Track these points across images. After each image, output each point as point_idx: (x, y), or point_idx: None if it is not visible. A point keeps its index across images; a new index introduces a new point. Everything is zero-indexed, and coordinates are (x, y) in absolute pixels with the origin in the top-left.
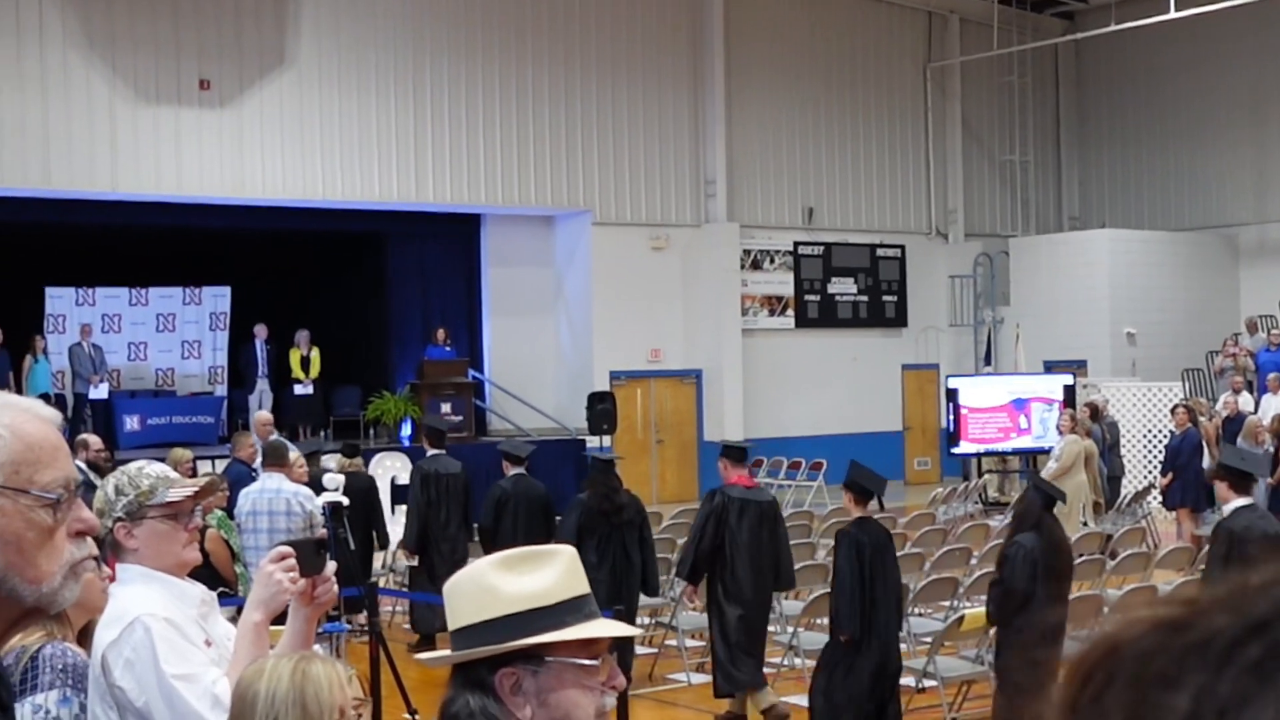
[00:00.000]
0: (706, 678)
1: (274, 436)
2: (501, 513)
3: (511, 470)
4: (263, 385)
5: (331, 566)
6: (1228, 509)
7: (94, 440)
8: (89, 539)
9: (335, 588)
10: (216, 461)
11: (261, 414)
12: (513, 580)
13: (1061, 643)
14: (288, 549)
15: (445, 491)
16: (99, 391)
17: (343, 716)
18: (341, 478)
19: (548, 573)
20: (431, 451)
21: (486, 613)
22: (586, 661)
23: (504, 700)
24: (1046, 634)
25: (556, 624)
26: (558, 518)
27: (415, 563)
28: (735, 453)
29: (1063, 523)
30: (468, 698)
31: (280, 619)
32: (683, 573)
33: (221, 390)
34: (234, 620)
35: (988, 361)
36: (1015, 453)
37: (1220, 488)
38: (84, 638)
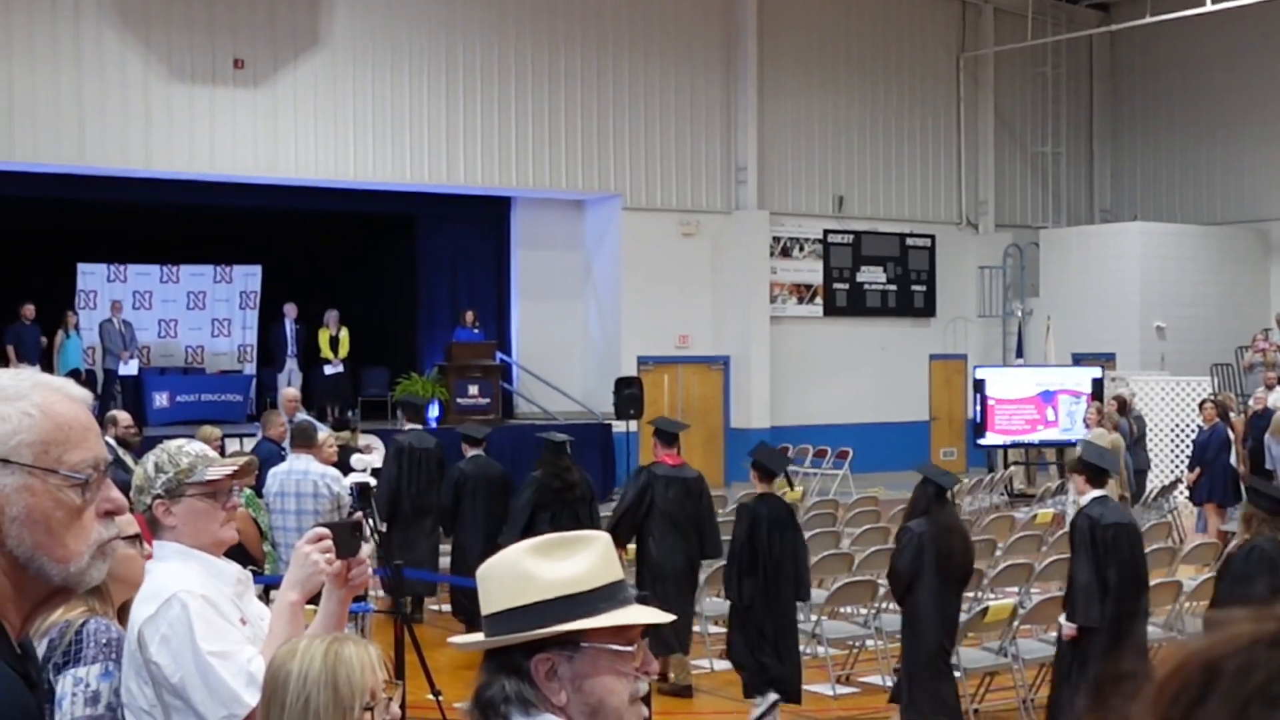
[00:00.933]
0: (728, 664)
1: (301, 416)
2: (460, 493)
3: (470, 452)
4: (291, 364)
5: (367, 549)
6: (1084, 500)
7: (123, 416)
8: (124, 518)
9: (370, 570)
10: (245, 440)
11: (289, 390)
12: (548, 566)
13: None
14: (325, 530)
15: (418, 465)
16: (129, 368)
17: (373, 699)
18: (370, 459)
19: (582, 559)
20: (409, 426)
21: (521, 598)
22: (621, 648)
23: (539, 685)
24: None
25: (591, 610)
26: None
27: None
28: (665, 435)
29: None
30: (503, 682)
31: (314, 599)
32: (613, 536)
33: (250, 369)
34: (261, 598)
35: (1019, 354)
36: (1042, 445)
37: (1078, 480)
38: (122, 614)
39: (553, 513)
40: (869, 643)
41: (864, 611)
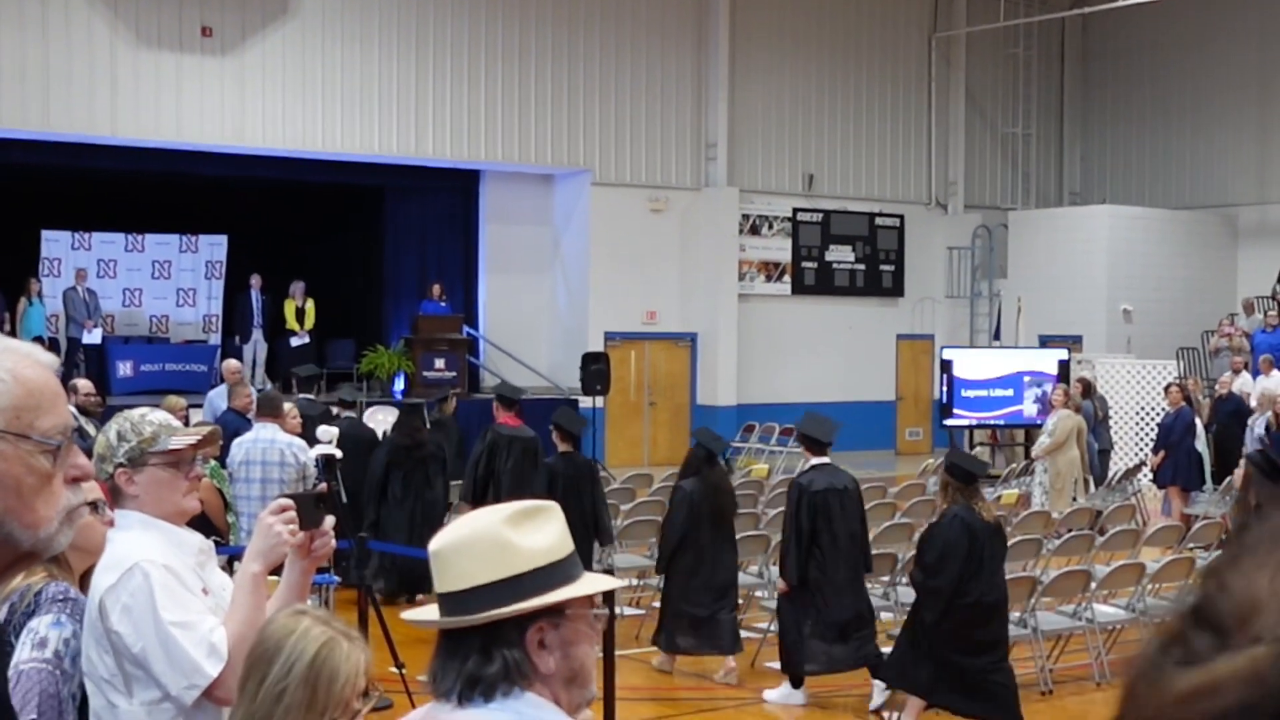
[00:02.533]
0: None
1: (268, 388)
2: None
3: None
4: (257, 335)
5: (330, 521)
6: (807, 465)
7: (84, 384)
8: (88, 484)
9: (333, 541)
10: (203, 411)
11: (230, 362)
12: (526, 536)
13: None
14: (288, 501)
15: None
16: (92, 336)
17: (345, 711)
18: (335, 430)
19: (552, 528)
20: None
21: (507, 570)
22: (599, 612)
23: (530, 654)
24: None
25: (568, 578)
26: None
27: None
28: (506, 400)
29: (1054, 498)
30: (503, 654)
31: (277, 570)
32: (465, 496)
33: (215, 339)
34: (224, 569)
35: (997, 336)
36: (1007, 426)
37: (804, 449)
38: (84, 582)
39: (404, 470)
40: None
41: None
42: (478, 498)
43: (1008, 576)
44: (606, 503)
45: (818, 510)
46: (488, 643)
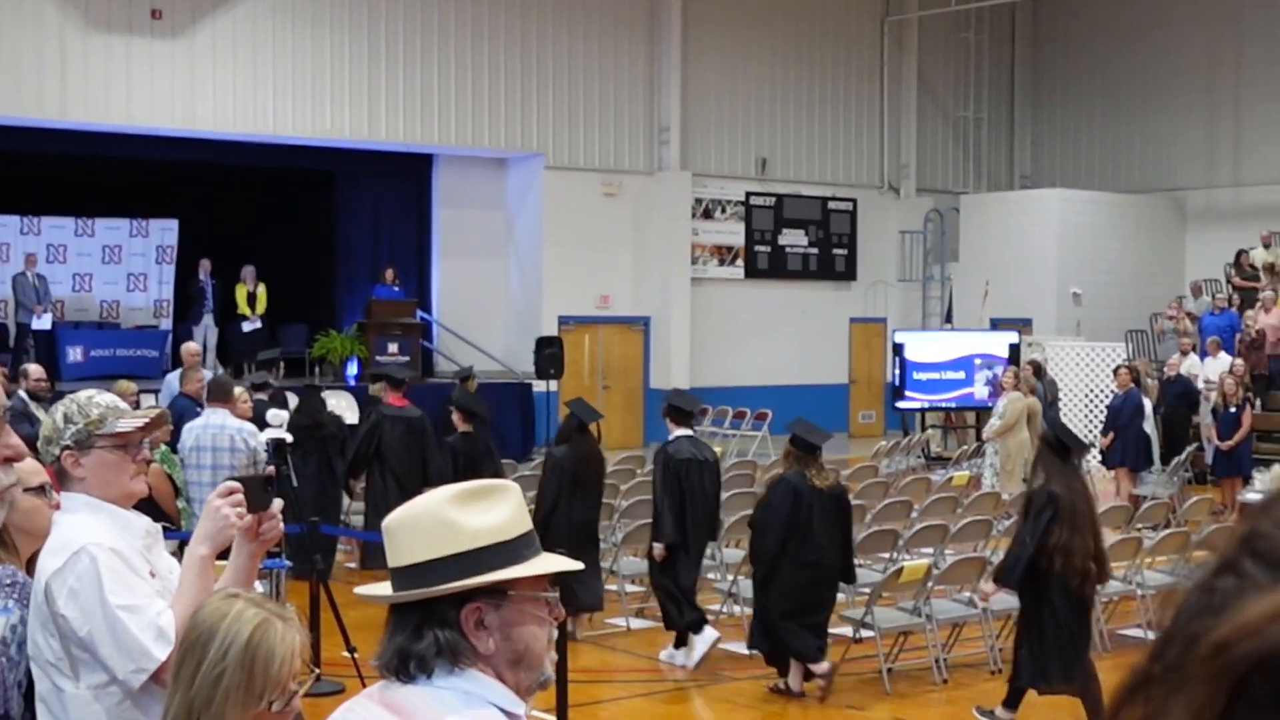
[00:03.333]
0: (647, 623)
1: (221, 373)
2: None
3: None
4: (208, 320)
5: (278, 504)
6: (671, 436)
7: (34, 369)
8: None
9: (281, 525)
10: (158, 395)
11: (190, 345)
12: (472, 515)
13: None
14: (235, 484)
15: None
16: (42, 322)
17: (282, 694)
18: (285, 414)
19: (503, 508)
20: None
21: (448, 548)
22: (544, 595)
23: (467, 635)
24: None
25: (515, 559)
26: None
27: None
28: (393, 380)
29: (1004, 480)
30: (435, 633)
31: (225, 554)
32: (345, 472)
33: (167, 324)
34: (176, 555)
35: (949, 319)
36: (959, 408)
37: (668, 422)
38: (31, 566)
39: (304, 449)
40: None
41: None
42: (357, 475)
43: (959, 557)
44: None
45: (680, 478)
46: (422, 620)
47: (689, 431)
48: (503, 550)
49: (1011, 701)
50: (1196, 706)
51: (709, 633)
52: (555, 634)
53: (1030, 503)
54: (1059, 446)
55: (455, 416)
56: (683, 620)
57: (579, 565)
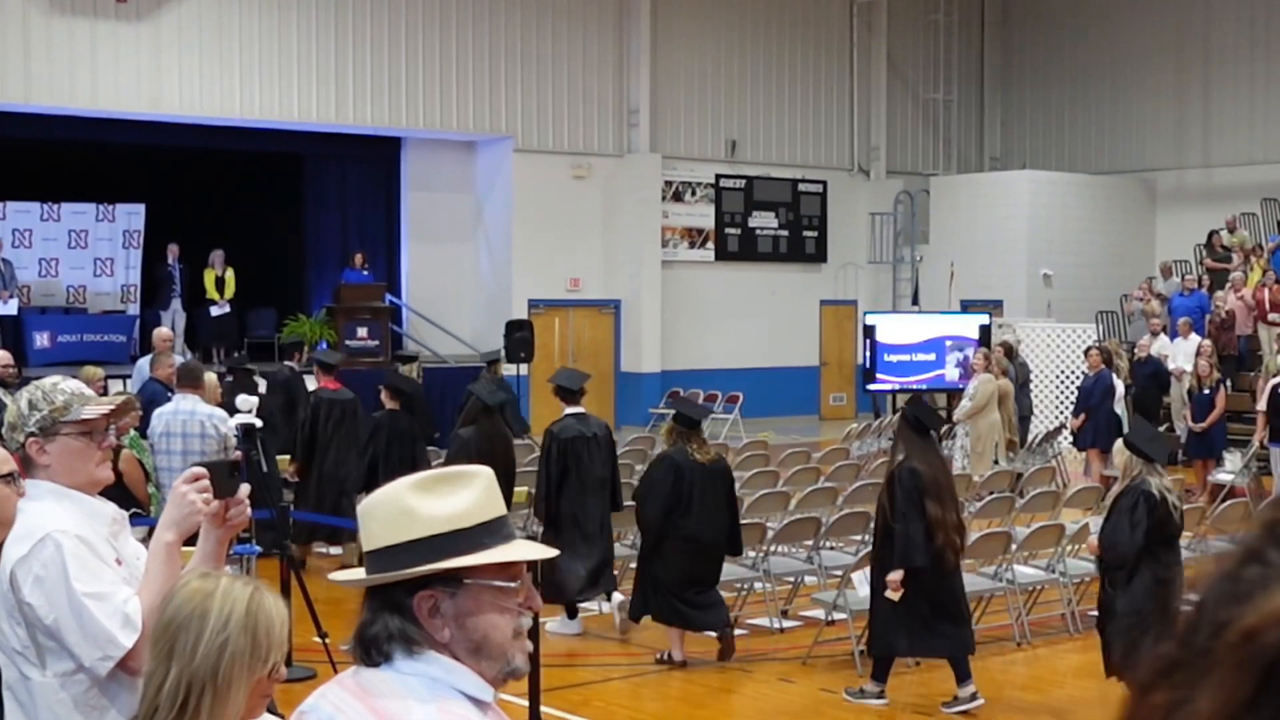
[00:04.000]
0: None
1: (190, 358)
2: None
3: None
4: (176, 305)
5: (245, 489)
6: (562, 415)
7: (2, 355)
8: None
9: (248, 510)
10: (127, 380)
11: (162, 330)
12: (430, 502)
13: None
14: (202, 470)
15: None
16: (8, 308)
17: (282, 655)
18: (255, 400)
19: (465, 495)
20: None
21: (404, 534)
22: (504, 584)
23: (422, 623)
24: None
25: (474, 546)
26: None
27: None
28: (325, 365)
29: (975, 462)
30: (387, 620)
31: (191, 540)
32: (296, 455)
33: (134, 309)
34: (145, 541)
35: (915, 301)
36: (929, 390)
37: (560, 403)
38: None
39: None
40: (757, 585)
41: (751, 554)
42: (307, 457)
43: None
44: (429, 461)
45: (567, 454)
46: (377, 605)
47: (579, 409)
48: (459, 538)
49: (879, 674)
50: (1225, 693)
51: (616, 597)
52: (527, 623)
53: (894, 480)
54: (917, 424)
55: (384, 395)
56: (568, 595)
57: (549, 552)
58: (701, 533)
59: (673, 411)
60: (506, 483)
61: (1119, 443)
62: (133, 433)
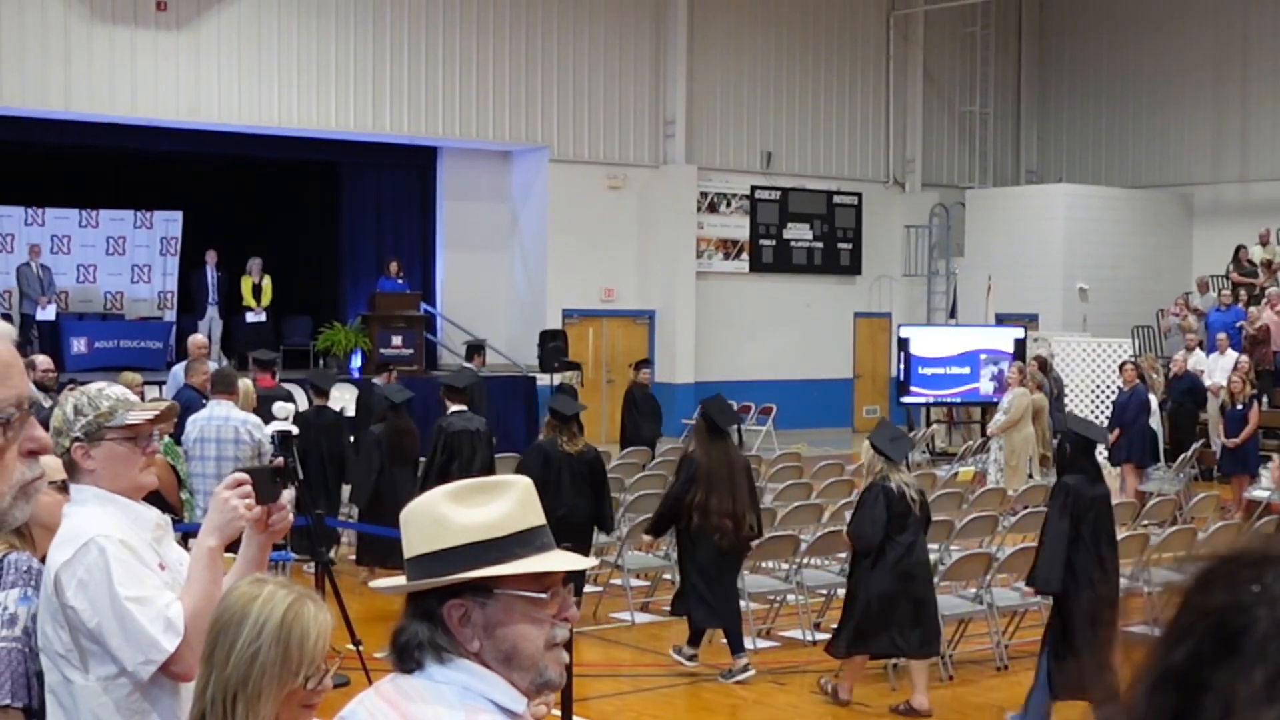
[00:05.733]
0: (651, 617)
1: (226, 364)
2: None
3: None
4: (212, 312)
5: (288, 494)
6: (448, 411)
7: (42, 360)
8: (50, 460)
9: (291, 516)
10: (162, 387)
11: (197, 337)
12: (464, 511)
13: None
14: (244, 475)
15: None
16: (46, 313)
17: (315, 670)
18: (291, 406)
19: (500, 504)
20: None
21: (437, 543)
22: (534, 594)
23: (453, 631)
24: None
25: (506, 556)
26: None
27: None
28: (263, 363)
29: (1009, 475)
30: (417, 628)
31: (233, 546)
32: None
33: (171, 315)
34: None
35: (953, 314)
36: (963, 403)
37: (446, 401)
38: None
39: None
40: (789, 597)
41: (785, 566)
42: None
43: (964, 553)
44: (353, 456)
45: (452, 446)
46: (410, 613)
47: (462, 407)
48: (491, 547)
49: (693, 640)
50: None
51: None
52: (562, 634)
53: (679, 466)
54: (710, 423)
55: (310, 392)
56: None
57: (588, 562)
58: (566, 514)
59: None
60: (411, 474)
61: (865, 442)
62: (167, 438)
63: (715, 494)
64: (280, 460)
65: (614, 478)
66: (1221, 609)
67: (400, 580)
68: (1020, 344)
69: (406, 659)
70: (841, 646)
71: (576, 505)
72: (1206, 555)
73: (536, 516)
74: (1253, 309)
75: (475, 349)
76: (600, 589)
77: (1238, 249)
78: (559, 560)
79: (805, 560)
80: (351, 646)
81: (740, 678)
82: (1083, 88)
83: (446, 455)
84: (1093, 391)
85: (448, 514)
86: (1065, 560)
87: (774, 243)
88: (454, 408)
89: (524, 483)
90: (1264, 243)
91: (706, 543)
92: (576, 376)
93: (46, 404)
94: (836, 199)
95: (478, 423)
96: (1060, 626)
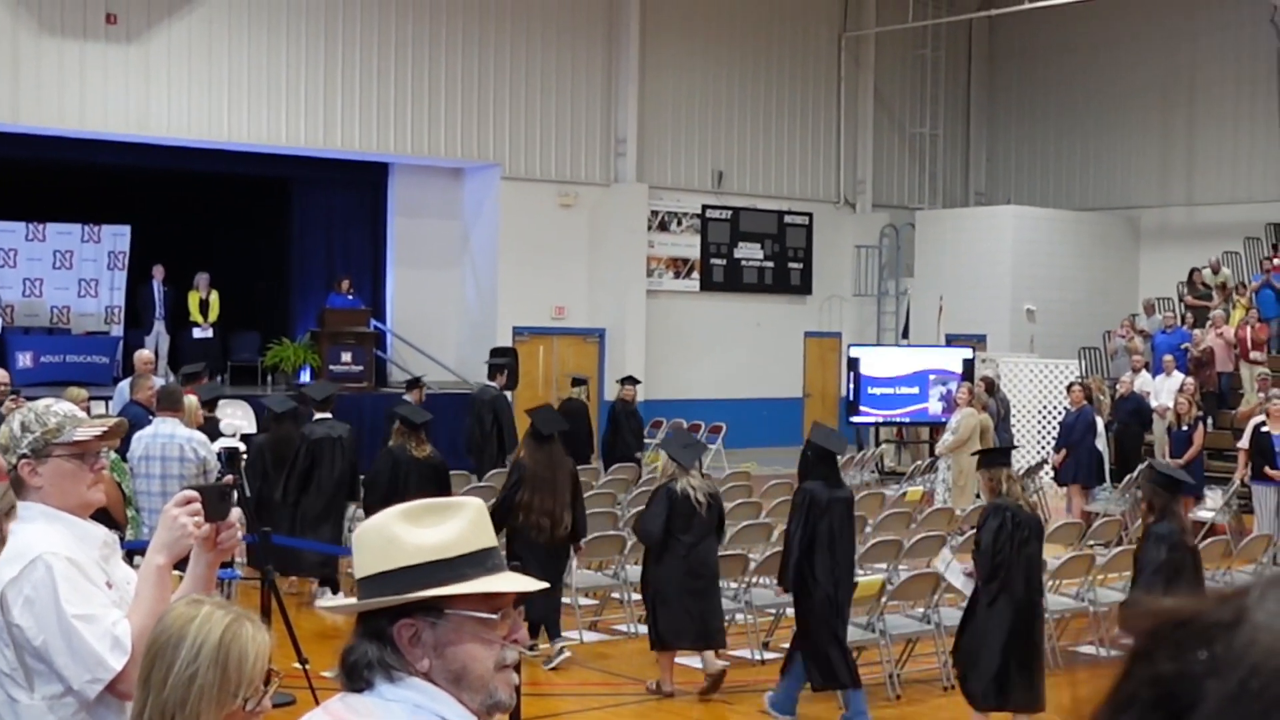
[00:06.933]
0: (600, 635)
1: (172, 380)
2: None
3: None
4: (159, 327)
5: (236, 513)
6: (312, 419)
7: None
8: None
9: (239, 534)
10: (109, 402)
11: (143, 353)
12: (416, 532)
13: None
14: (193, 493)
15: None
16: None
17: (254, 692)
18: (240, 424)
19: (452, 525)
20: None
21: (388, 563)
22: (485, 615)
23: (402, 651)
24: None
25: (458, 576)
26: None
27: None
28: (190, 377)
29: (957, 495)
30: (367, 647)
31: (181, 564)
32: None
33: (118, 330)
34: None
35: (906, 334)
36: (912, 423)
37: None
38: None
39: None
40: (738, 616)
41: (734, 585)
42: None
43: (912, 573)
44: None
45: (314, 453)
46: (360, 632)
47: (326, 415)
48: (442, 568)
49: (532, 631)
50: None
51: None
52: (513, 656)
53: (510, 471)
54: (536, 432)
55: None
56: (304, 572)
57: (539, 584)
58: None
59: (661, 440)
60: (300, 480)
61: (662, 451)
62: (113, 455)
63: (539, 495)
64: (229, 478)
65: (604, 493)
66: (1168, 678)
67: (351, 600)
68: (969, 364)
69: (356, 678)
70: (654, 641)
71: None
72: (1153, 614)
73: (488, 538)
74: (1197, 331)
75: (413, 383)
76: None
77: (1191, 272)
78: (510, 581)
79: (754, 580)
80: (298, 665)
81: (557, 661)
82: (1031, 111)
83: (309, 461)
84: (1040, 412)
85: (400, 534)
86: (799, 560)
87: (725, 262)
88: (318, 416)
89: (476, 504)
90: (1215, 270)
91: (525, 539)
92: (584, 391)
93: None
94: (787, 219)
95: (340, 430)
96: (799, 620)
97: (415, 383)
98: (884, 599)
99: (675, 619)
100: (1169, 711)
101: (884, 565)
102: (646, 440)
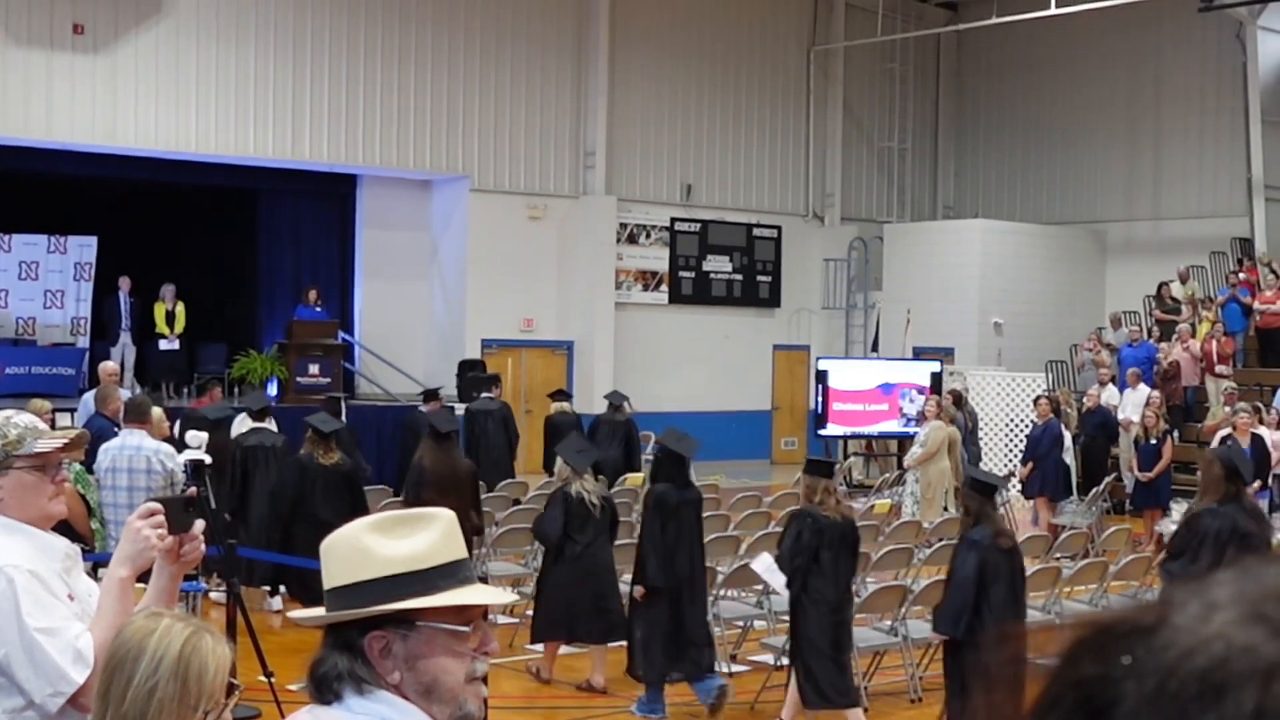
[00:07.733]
0: (568, 649)
1: (139, 392)
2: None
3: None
4: (125, 339)
5: (199, 525)
6: (245, 429)
7: None
8: None
9: (203, 546)
10: (74, 414)
11: (108, 364)
12: (387, 543)
13: None
14: (156, 505)
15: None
16: None
17: (215, 704)
18: (204, 436)
19: (423, 536)
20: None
21: (359, 574)
22: (456, 627)
23: (373, 663)
24: None
25: (429, 588)
26: None
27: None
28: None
29: (925, 508)
30: (337, 659)
31: (145, 576)
32: None
33: (84, 342)
34: (89, 577)
35: (875, 347)
36: (881, 437)
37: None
38: None
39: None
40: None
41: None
42: None
43: (880, 585)
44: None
45: (247, 461)
46: (329, 643)
47: (261, 425)
48: (413, 579)
49: None
50: None
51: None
52: (483, 668)
53: (409, 473)
54: (433, 432)
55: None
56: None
57: (510, 597)
58: (327, 521)
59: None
60: (232, 487)
61: (559, 458)
62: (77, 467)
63: (441, 494)
64: (194, 490)
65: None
66: (1090, 681)
67: (320, 611)
68: (937, 377)
69: (325, 690)
70: (536, 633)
71: (335, 515)
72: (1080, 623)
73: (459, 550)
74: (1163, 345)
75: (430, 394)
76: (516, 620)
77: (1160, 285)
78: (481, 594)
79: (722, 592)
80: (263, 678)
81: None
82: (999, 125)
83: (243, 469)
84: (1007, 425)
85: (371, 545)
86: (662, 557)
87: (693, 274)
88: (253, 425)
89: (447, 515)
90: (1183, 280)
91: None
92: (569, 404)
93: None
94: (756, 232)
95: (274, 439)
96: (661, 614)
97: (433, 394)
98: (853, 612)
99: (564, 615)
100: (1089, 712)
101: (853, 578)
102: (646, 459)
